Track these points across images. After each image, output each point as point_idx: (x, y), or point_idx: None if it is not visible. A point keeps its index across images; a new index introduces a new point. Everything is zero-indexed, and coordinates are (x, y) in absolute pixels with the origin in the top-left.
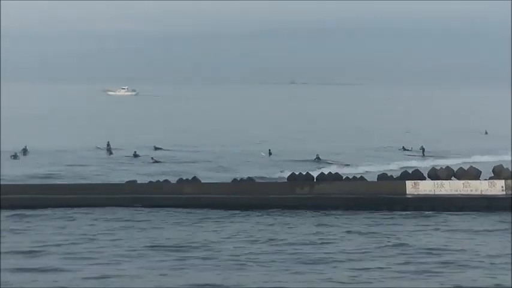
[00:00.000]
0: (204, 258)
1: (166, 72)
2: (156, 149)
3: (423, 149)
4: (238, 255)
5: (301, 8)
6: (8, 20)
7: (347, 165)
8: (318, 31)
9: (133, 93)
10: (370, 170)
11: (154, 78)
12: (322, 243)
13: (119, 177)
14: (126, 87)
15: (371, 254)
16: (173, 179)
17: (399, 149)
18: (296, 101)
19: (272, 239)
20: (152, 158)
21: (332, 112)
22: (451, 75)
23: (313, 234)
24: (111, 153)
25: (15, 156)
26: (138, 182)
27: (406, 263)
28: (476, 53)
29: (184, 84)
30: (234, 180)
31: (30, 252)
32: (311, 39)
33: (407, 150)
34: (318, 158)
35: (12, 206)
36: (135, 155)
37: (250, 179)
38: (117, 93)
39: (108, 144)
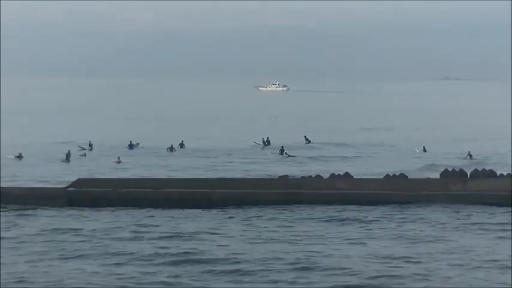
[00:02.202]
0: None
1: (306, 69)
2: (307, 140)
3: None
4: None
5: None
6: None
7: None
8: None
9: (285, 88)
10: None
11: (299, 74)
12: None
13: (273, 172)
14: (277, 82)
15: None
16: (325, 175)
17: None
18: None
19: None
20: (286, 152)
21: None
22: None
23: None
24: (265, 146)
25: (171, 149)
26: (290, 177)
27: None
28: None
29: (326, 80)
30: (387, 176)
31: None
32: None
33: None
34: (469, 155)
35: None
36: (282, 151)
37: (402, 175)
38: (268, 88)
39: (268, 140)
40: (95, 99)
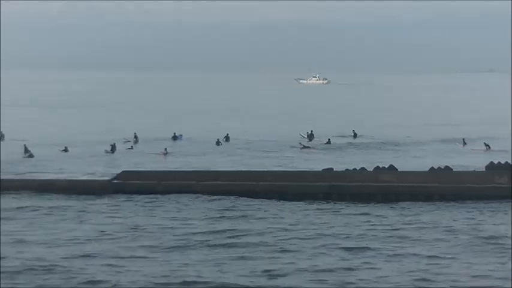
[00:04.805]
0: None
1: (346, 61)
2: (354, 134)
3: None
4: None
5: None
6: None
7: None
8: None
9: (325, 81)
10: None
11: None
12: None
13: (316, 165)
14: (317, 75)
15: None
16: (370, 167)
17: None
18: None
19: None
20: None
21: None
22: None
23: None
24: (309, 140)
25: (218, 143)
26: (335, 169)
27: None
28: None
29: (367, 73)
30: (431, 168)
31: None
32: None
33: None
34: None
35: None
36: (328, 143)
37: (447, 167)
38: (309, 81)
39: (312, 133)
40: (127, 95)
